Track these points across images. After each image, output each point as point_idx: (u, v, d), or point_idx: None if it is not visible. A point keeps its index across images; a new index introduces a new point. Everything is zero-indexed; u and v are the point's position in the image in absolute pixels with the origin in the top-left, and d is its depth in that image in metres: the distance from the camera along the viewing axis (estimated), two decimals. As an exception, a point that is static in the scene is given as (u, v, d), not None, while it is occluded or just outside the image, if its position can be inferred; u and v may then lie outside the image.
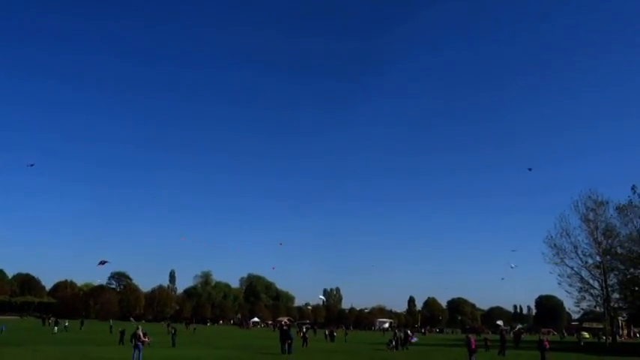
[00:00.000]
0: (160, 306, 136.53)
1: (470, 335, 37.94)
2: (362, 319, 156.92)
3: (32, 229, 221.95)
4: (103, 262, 60.77)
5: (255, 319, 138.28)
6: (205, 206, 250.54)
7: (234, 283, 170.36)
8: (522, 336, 74.30)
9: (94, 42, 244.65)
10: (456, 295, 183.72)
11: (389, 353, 42.69)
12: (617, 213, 59.53)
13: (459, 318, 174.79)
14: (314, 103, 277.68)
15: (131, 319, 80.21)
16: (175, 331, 44.88)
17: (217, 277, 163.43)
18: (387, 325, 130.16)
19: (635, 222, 58.46)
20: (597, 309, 66.87)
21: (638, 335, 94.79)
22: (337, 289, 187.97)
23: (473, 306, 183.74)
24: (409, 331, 59.05)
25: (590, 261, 60.30)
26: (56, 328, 60.18)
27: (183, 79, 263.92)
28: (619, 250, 60.46)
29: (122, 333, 41.67)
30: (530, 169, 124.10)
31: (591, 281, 60.66)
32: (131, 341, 28.06)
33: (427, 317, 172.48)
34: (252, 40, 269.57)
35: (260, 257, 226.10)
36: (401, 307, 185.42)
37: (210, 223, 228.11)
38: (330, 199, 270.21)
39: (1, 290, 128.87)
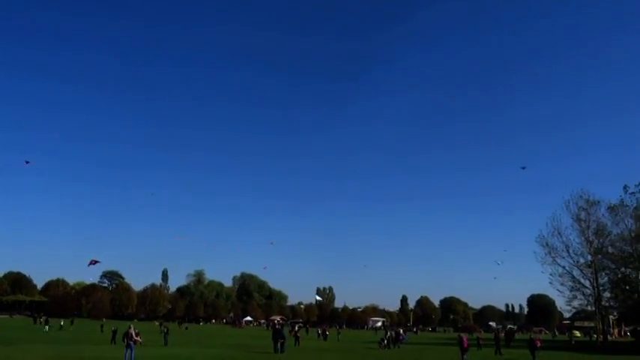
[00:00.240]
0: (153, 305, 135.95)
1: (462, 334, 38.08)
2: (355, 318, 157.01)
3: (24, 228, 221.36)
4: (93, 262, 60.60)
5: (248, 318, 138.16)
6: (199, 205, 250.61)
7: (227, 282, 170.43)
8: (516, 335, 74.72)
9: (94, 42, 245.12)
10: (448, 294, 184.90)
11: (380, 352, 42.79)
12: (609, 212, 60.03)
13: (452, 317, 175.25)
14: (313, 103, 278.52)
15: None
16: (168, 330, 44.80)
17: (210, 276, 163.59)
18: (379, 324, 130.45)
19: (626, 221, 59.01)
20: (588, 308, 67.36)
21: (628, 334, 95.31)
22: (330, 288, 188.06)
23: (465, 305, 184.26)
24: (401, 330, 59.23)
25: (582, 260, 60.78)
26: (47, 327, 59.78)
27: (183, 79, 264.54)
28: (610, 250, 60.93)
29: (114, 332, 41.50)
30: (523, 168, 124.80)
31: (582, 280, 61.13)
32: (123, 340, 27.94)
33: (420, 316, 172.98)
34: (252, 40, 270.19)
35: (253, 256, 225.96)
36: (394, 306, 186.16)
37: (203, 222, 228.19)
38: (324, 199, 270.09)
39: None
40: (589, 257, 60.09)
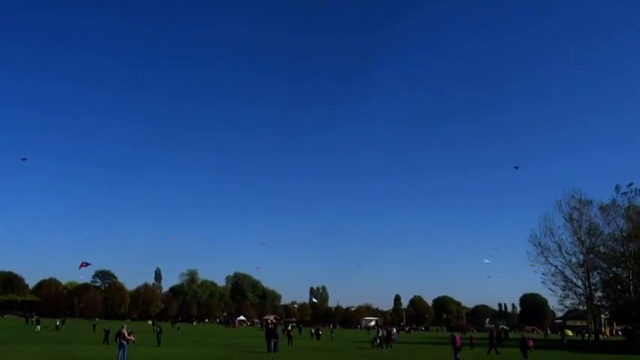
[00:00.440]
0: (146, 304, 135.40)
1: (455, 333, 38.20)
2: (348, 318, 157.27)
3: (16, 228, 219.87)
4: (84, 265, 60.98)
5: (242, 318, 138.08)
6: (194, 205, 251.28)
7: (221, 282, 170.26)
8: (509, 334, 75.02)
9: (94, 42, 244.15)
10: (441, 294, 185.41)
11: (373, 351, 42.88)
12: (601, 212, 60.41)
13: (445, 316, 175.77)
14: (313, 102, 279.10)
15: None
16: (161, 329, 44.61)
17: (203, 275, 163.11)
18: (372, 323, 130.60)
19: (617, 221, 59.43)
20: (580, 307, 67.84)
21: (620, 333, 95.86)
22: (324, 288, 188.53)
23: (458, 304, 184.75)
24: (394, 329, 59.34)
25: (574, 260, 61.18)
26: (38, 327, 59.38)
27: (183, 79, 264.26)
28: (602, 249, 61.36)
29: (107, 332, 41.33)
30: (516, 167, 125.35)
31: (575, 280, 61.57)
32: (116, 340, 27.84)
33: (413, 315, 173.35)
34: (252, 40, 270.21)
35: (246, 256, 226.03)
36: (387, 305, 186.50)
37: (196, 222, 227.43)
38: (321, 198, 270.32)
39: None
40: (581, 257, 60.50)
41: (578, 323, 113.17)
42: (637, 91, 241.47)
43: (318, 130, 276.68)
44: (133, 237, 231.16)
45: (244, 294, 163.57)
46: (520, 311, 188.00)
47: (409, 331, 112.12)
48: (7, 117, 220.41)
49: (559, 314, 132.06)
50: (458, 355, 31.69)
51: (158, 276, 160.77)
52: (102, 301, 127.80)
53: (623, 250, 58.86)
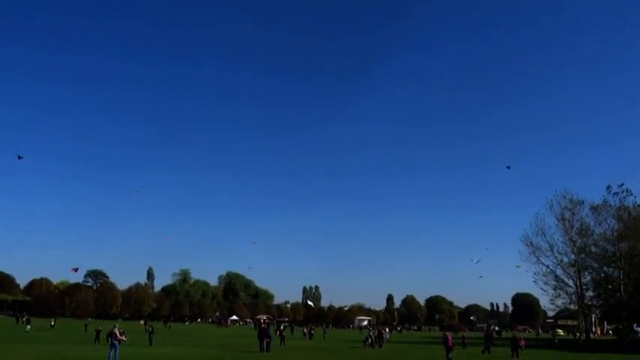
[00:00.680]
0: (138, 304, 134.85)
1: (447, 333, 38.28)
2: (341, 317, 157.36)
3: (7, 227, 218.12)
4: (74, 270, 62.05)
5: (234, 317, 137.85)
6: (189, 204, 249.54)
7: (213, 281, 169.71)
8: (502, 333, 75.20)
9: (94, 42, 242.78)
10: (434, 293, 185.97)
11: (364, 351, 42.95)
12: (592, 212, 60.79)
13: (437, 316, 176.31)
14: (313, 102, 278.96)
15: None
16: (153, 329, 44.40)
17: (196, 275, 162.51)
18: (365, 323, 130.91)
19: (608, 221, 59.86)
20: (572, 306, 68.23)
21: (610, 332, 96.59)
22: (316, 287, 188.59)
23: (451, 304, 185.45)
24: (387, 329, 59.44)
25: (565, 259, 61.58)
26: (28, 326, 58.95)
27: (183, 79, 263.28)
28: (593, 249, 61.71)
29: (98, 332, 41.11)
30: (508, 167, 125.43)
31: (566, 279, 61.96)
32: (107, 340, 27.67)
33: (405, 315, 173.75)
34: (252, 40, 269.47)
35: (240, 256, 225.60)
36: (380, 305, 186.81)
37: (189, 221, 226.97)
38: (317, 198, 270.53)
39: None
40: (572, 256, 60.89)
41: (569, 322, 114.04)
42: (635, 90, 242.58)
43: (318, 130, 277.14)
44: (125, 236, 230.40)
45: (237, 293, 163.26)
46: (512, 311, 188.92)
47: (401, 330, 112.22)
48: (7, 117, 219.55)
49: (550, 314, 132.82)
50: (450, 355, 31.74)
51: (150, 275, 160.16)
52: (93, 300, 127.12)
53: (614, 250, 59.25)
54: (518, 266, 63.06)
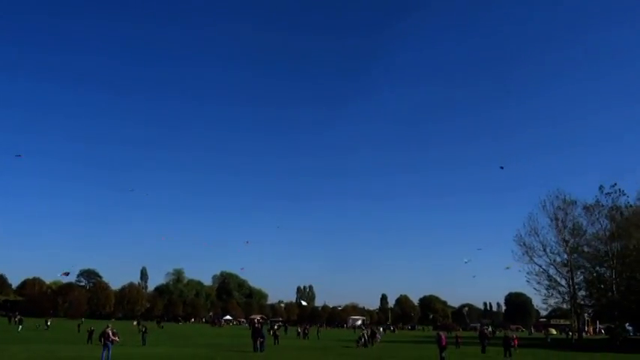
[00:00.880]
0: (131, 304, 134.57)
1: (440, 332, 38.34)
2: (335, 317, 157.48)
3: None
4: (65, 274, 61.98)
5: (228, 317, 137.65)
6: (181, 205, 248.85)
7: (207, 281, 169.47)
8: (496, 332, 75.35)
9: (94, 42, 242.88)
10: (427, 293, 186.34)
11: (357, 350, 43.03)
12: (585, 212, 61.04)
13: (431, 316, 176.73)
14: (313, 101, 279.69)
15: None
16: (146, 329, 44.30)
17: (189, 275, 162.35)
18: (359, 322, 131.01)
19: (601, 221, 60.07)
20: (564, 306, 68.49)
21: (603, 332, 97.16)
22: (310, 287, 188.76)
23: (444, 303, 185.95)
24: (381, 328, 59.49)
25: (558, 259, 61.72)
26: (20, 327, 58.65)
27: (183, 79, 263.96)
28: (586, 249, 61.98)
29: (91, 332, 40.94)
30: (502, 167, 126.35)
31: (559, 279, 62.11)
32: (100, 340, 27.58)
33: (399, 315, 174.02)
34: (252, 40, 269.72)
35: (234, 255, 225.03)
36: (374, 304, 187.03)
37: (183, 221, 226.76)
38: (315, 198, 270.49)
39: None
40: (565, 256, 61.06)
41: (562, 322, 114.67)
42: (634, 88, 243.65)
43: (318, 130, 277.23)
44: (118, 236, 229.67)
45: (231, 293, 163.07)
46: (505, 310, 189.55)
47: (394, 330, 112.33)
48: (7, 117, 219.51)
49: (543, 313, 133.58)
50: (443, 354, 31.79)
51: (144, 275, 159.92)
52: (86, 300, 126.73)
53: (606, 249, 59.49)
54: (507, 267, 63.35)
